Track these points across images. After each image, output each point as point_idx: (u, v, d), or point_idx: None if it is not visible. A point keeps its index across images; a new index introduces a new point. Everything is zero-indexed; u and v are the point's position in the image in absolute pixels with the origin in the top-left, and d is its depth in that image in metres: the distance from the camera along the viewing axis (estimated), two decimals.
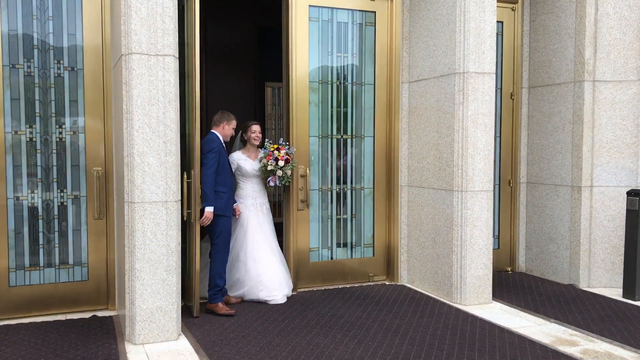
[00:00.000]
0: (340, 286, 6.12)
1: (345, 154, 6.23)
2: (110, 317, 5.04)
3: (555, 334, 4.72)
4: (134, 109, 4.29)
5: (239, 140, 5.76)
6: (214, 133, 5.23)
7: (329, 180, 6.15)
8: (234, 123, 5.31)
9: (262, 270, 5.48)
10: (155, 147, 4.35)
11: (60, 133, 5.10)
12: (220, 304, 5.13)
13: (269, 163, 5.44)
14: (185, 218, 4.87)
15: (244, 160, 5.58)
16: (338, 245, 6.25)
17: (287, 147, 5.56)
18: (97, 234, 5.20)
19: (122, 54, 4.36)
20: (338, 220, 6.23)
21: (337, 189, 6.21)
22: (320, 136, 6.06)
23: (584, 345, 4.44)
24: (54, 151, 5.09)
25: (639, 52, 5.99)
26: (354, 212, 6.28)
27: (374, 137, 6.25)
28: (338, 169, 6.21)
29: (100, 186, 5.14)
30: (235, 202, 5.53)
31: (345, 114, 6.20)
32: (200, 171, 4.93)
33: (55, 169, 5.10)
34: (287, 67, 5.82)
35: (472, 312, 5.27)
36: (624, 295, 5.75)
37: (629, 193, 5.78)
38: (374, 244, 6.35)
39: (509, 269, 6.93)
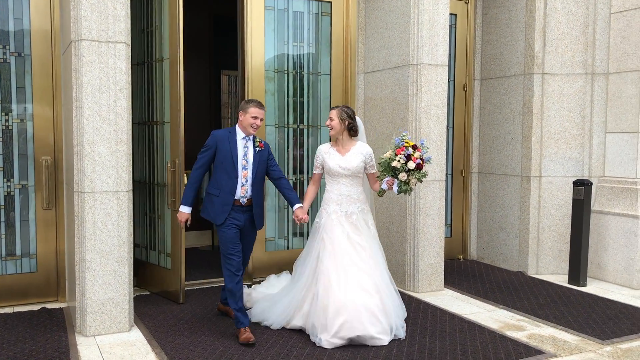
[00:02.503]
0: None
1: (302, 143, 6.24)
2: (61, 309, 4.94)
3: (504, 319, 4.86)
4: (84, 96, 4.20)
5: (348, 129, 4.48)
6: (227, 129, 4.39)
7: (285, 170, 6.15)
8: (252, 110, 4.27)
9: (333, 302, 4.10)
10: (106, 135, 4.27)
11: (7, 121, 4.95)
12: (241, 330, 4.19)
13: (398, 158, 4.20)
14: (169, 206, 5.10)
15: (328, 155, 4.48)
16: (294, 234, 6.27)
17: (425, 151, 4.33)
18: (46, 225, 5.08)
19: (71, 41, 4.26)
20: None
21: (294, 179, 6.22)
22: (277, 126, 6.05)
23: (530, 330, 4.59)
24: (0, 139, 4.93)
25: (585, 46, 6.18)
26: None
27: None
28: (295, 159, 6.22)
29: (50, 175, 5.02)
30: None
31: (302, 103, 6.21)
32: None
33: (1, 157, 4.95)
34: (243, 56, 5.79)
35: (424, 299, 5.38)
36: (570, 282, 5.96)
37: (575, 183, 5.98)
38: None
39: (461, 257, 7.09)
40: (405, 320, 4.51)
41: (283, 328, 4.44)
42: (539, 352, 4.11)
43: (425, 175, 4.30)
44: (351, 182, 4.44)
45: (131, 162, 4.45)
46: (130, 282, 4.45)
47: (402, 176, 4.20)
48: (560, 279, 6.13)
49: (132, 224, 4.46)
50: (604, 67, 6.17)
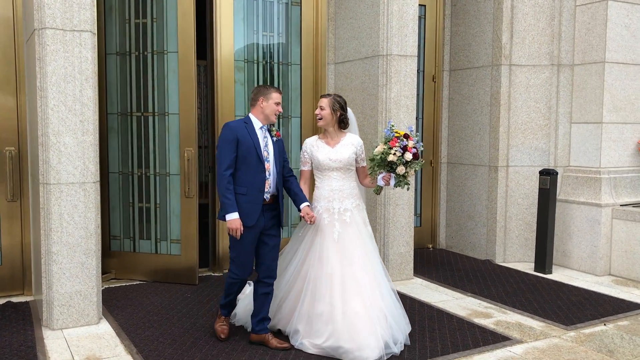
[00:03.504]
0: None
1: None
2: (27, 302, 4.86)
3: (472, 307, 4.95)
4: (49, 86, 4.11)
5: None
6: (244, 118, 3.97)
7: None
8: (275, 96, 3.91)
9: (321, 311, 3.85)
10: (72, 126, 4.19)
11: None
12: (266, 336, 3.95)
13: (393, 151, 3.88)
14: (187, 194, 5.36)
15: (316, 148, 4.14)
16: None
17: (416, 138, 4.02)
18: (10, 217, 4.97)
19: (35, 29, 4.16)
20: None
21: None
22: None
23: (497, 317, 4.68)
24: None
25: (551, 37, 6.28)
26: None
27: (300, 117, 6.27)
28: None
29: (14, 167, 4.91)
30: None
31: None
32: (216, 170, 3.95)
33: None
34: (212, 46, 5.73)
35: (394, 288, 5.42)
36: (536, 269, 6.09)
37: (541, 172, 6.09)
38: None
39: (430, 246, 7.18)
40: None
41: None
42: (505, 338, 4.20)
43: (422, 165, 4.05)
44: (343, 176, 4.09)
45: (98, 153, 4.38)
46: (98, 274, 4.39)
47: (401, 170, 3.88)
48: (527, 266, 6.26)
49: (99, 215, 4.40)
50: (569, 59, 6.29)
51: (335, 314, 3.78)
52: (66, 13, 4.12)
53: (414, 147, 3.92)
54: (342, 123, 4.15)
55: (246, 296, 4.40)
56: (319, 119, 4.12)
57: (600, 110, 6.02)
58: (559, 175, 6.26)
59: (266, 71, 6.11)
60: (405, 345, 3.94)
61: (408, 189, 4.18)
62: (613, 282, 5.74)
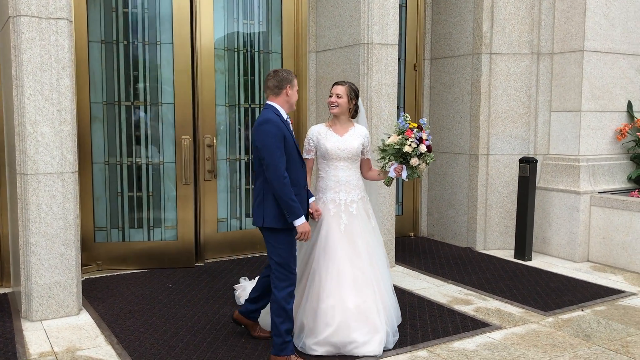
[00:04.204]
0: (249, 256, 6.14)
1: (254, 123, 6.18)
2: (5, 294, 4.81)
3: (452, 294, 5.00)
4: (24, 75, 4.05)
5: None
6: (270, 109, 3.54)
7: (237, 150, 6.11)
8: (296, 82, 3.66)
9: (327, 305, 3.69)
10: (49, 115, 4.14)
11: None
12: (253, 323, 3.89)
13: (409, 142, 3.76)
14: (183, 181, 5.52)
15: (324, 136, 3.94)
16: (247, 215, 6.25)
17: (428, 131, 3.91)
18: None
19: (9, 16, 4.08)
20: (247, 190, 6.22)
21: (246, 159, 6.18)
22: (228, 105, 5.99)
23: (477, 304, 4.74)
24: None
25: (531, 26, 6.32)
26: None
27: None
28: (247, 139, 6.17)
29: None
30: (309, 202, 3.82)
31: (253, 82, 6.14)
32: (267, 173, 3.43)
33: None
34: (192, 34, 5.67)
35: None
36: (516, 256, 6.16)
37: (521, 160, 6.15)
38: None
39: (412, 234, 7.22)
40: None
41: None
42: (485, 324, 4.25)
43: (434, 159, 3.94)
44: (350, 166, 3.93)
45: (76, 143, 4.33)
46: (78, 264, 4.36)
47: (414, 161, 3.77)
48: (507, 253, 6.33)
49: (78, 206, 4.36)
50: (548, 47, 6.33)
51: (343, 308, 3.66)
52: (41, 0, 4.05)
53: (427, 140, 3.84)
54: (355, 112, 4.05)
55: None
56: (335, 107, 3.93)
57: (579, 98, 6.08)
58: (538, 163, 6.32)
59: (247, 60, 6.07)
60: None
61: (415, 179, 4.07)
62: (591, 268, 5.83)
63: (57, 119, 4.16)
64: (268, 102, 3.59)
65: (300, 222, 3.47)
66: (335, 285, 3.71)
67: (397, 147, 3.79)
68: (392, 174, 3.87)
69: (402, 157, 3.81)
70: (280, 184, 3.38)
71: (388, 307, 3.90)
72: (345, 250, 3.79)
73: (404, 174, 3.84)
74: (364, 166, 4.12)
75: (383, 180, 4.02)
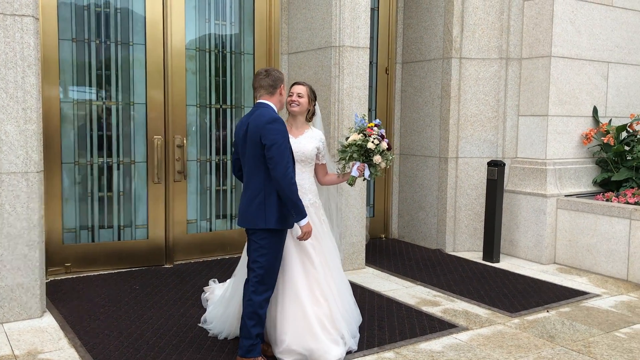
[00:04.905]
0: (219, 257, 6.10)
1: (225, 124, 6.16)
2: None
3: (421, 295, 5.04)
4: None
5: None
6: (269, 108, 3.49)
7: (207, 151, 6.07)
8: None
9: (287, 314, 3.65)
10: (14, 114, 4.06)
11: None
12: (260, 359, 3.53)
13: (372, 138, 3.76)
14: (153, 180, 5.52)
15: None
16: (217, 216, 6.22)
17: (383, 130, 3.91)
18: None
19: None
20: (217, 191, 6.18)
21: (217, 160, 6.14)
22: (199, 105, 5.95)
23: (445, 305, 4.78)
24: None
25: (500, 31, 6.41)
26: (234, 183, 6.25)
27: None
28: (217, 140, 6.14)
29: None
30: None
31: (225, 83, 6.12)
32: (274, 172, 3.35)
33: None
34: (163, 34, 5.62)
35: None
36: (484, 258, 6.24)
37: (489, 164, 6.23)
38: None
39: (383, 236, 7.26)
40: None
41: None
42: (452, 325, 4.29)
43: (393, 158, 3.94)
44: (303, 169, 3.80)
45: (42, 142, 4.25)
46: (42, 266, 4.28)
47: (377, 159, 3.75)
48: (476, 255, 6.40)
49: (43, 206, 4.28)
50: (517, 53, 6.43)
51: (302, 315, 3.61)
52: None
53: (386, 138, 3.84)
54: (312, 115, 4.00)
55: (219, 299, 4.15)
56: (296, 106, 3.84)
57: (546, 103, 6.18)
58: (506, 167, 6.42)
59: (218, 60, 6.04)
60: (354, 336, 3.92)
61: (375, 178, 4.01)
62: (557, 270, 5.94)
63: (22, 117, 4.08)
64: (262, 101, 3.52)
65: (305, 221, 3.47)
66: (292, 293, 3.64)
67: (360, 143, 3.76)
68: (355, 172, 3.82)
69: (365, 155, 3.79)
70: (289, 183, 3.34)
71: (347, 309, 3.88)
72: (300, 257, 3.70)
73: (367, 173, 3.82)
74: (320, 171, 4.02)
75: (347, 181, 3.93)
